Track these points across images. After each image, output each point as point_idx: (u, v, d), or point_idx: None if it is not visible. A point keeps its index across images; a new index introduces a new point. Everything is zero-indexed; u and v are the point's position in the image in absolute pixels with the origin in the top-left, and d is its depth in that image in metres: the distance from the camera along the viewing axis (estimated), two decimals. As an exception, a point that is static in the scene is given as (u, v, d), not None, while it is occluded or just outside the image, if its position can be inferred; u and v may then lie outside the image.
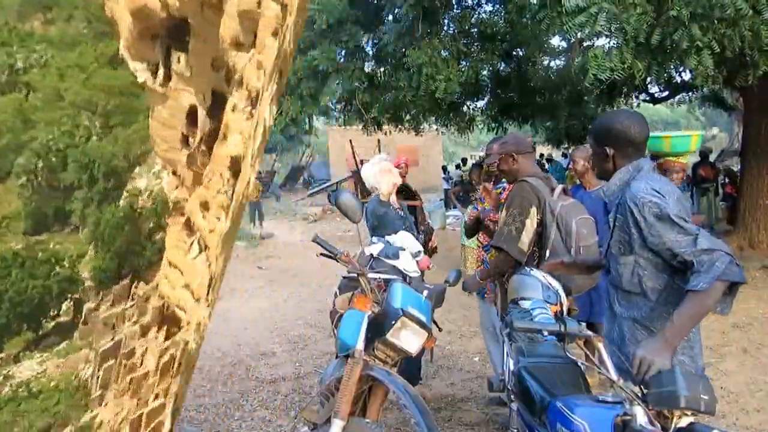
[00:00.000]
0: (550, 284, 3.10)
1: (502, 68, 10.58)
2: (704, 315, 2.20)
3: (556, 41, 9.51)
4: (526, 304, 3.05)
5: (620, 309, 2.50)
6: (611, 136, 2.46)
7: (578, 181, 4.95)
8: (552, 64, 10.43)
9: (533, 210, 3.57)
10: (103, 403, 2.81)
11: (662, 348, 2.13)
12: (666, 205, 2.26)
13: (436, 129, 28.03)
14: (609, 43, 6.07)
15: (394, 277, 3.65)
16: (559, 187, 3.73)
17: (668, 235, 2.26)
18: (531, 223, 3.56)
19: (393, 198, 4.47)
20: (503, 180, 4.24)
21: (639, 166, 2.44)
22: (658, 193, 2.29)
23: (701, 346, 2.47)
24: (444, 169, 25.70)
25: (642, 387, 2.01)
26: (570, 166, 5.02)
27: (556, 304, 3.01)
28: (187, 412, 4.56)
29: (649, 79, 8.50)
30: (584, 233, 3.50)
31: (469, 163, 23.12)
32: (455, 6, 9.25)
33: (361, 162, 20.88)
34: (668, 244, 2.26)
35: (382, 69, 11.03)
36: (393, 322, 2.87)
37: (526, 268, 3.45)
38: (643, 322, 2.42)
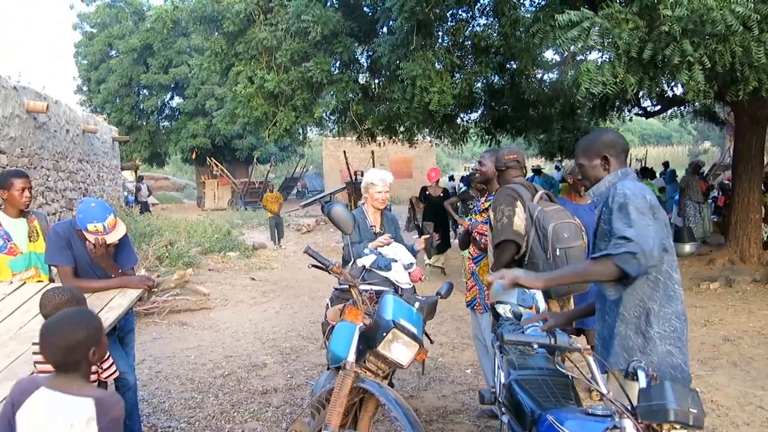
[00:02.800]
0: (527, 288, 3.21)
1: (495, 81, 10.63)
2: (582, 279, 2.53)
3: (549, 55, 9.55)
4: (500, 309, 3.13)
5: (608, 294, 2.58)
6: (607, 145, 2.64)
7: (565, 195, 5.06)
8: (545, 77, 10.47)
9: (518, 203, 3.77)
10: None
11: (535, 277, 2.48)
12: (632, 198, 2.37)
13: (430, 141, 28.26)
14: (601, 57, 6.11)
15: (386, 288, 3.65)
16: (539, 193, 3.83)
17: (617, 223, 2.38)
18: (520, 211, 3.74)
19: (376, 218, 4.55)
20: (493, 194, 4.31)
21: (626, 172, 2.62)
22: (633, 191, 2.40)
23: (687, 341, 2.49)
24: (451, 177, 25.90)
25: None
26: (569, 179, 5.08)
27: (531, 307, 3.17)
28: (177, 423, 4.54)
29: (641, 93, 8.57)
30: (565, 237, 3.58)
31: (457, 177, 23.47)
32: (449, 19, 9.28)
33: (355, 173, 21.04)
34: (613, 230, 2.38)
35: (376, 81, 11.08)
36: (384, 334, 2.87)
37: None
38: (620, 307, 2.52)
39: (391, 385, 4.48)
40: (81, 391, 2.06)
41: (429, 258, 10.35)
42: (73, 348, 2.07)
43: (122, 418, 2.09)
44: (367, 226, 4.45)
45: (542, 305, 3.25)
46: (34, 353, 2.72)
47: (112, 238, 3.66)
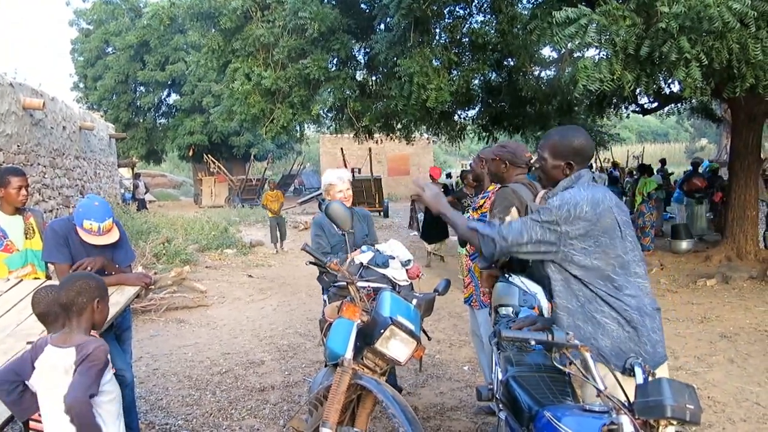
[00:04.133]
0: (528, 289, 3.24)
1: (492, 78, 10.64)
2: (457, 232, 2.75)
3: (546, 52, 9.56)
4: (503, 311, 3.13)
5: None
6: (576, 152, 2.63)
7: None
8: (542, 74, 10.47)
9: (513, 209, 3.76)
10: None
11: (436, 202, 2.77)
12: (555, 209, 2.45)
13: (427, 138, 28.26)
14: (598, 54, 6.12)
15: (384, 285, 3.65)
16: (541, 192, 3.81)
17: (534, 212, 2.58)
18: (510, 219, 3.70)
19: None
20: (488, 190, 4.31)
21: (579, 175, 2.60)
22: (568, 204, 2.45)
23: (650, 330, 2.47)
24: (448, 175, 25.81)
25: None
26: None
27: (533, 307, 3.16)
28: (174, 420, 4.54)
29: (638, 90, 8.57)
30: None
31: (454, 174, 23.48)
32: (447, 16, 9.28)
33: (353, 171, 21.00)
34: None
35: (373, 78, 11.08)
36: (382, 331, 2.87)
37: (506, 275, 3.50)
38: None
39: (395, 384, 4.49)
40: (71, 342, 2.48)
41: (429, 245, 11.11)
42: (83, 291, 2.54)
43: (98, 355, 2.43)
44: (334, 231, 4.28)
45: (545, 305, 3.24)
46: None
47: (103, 241, 3.66)
